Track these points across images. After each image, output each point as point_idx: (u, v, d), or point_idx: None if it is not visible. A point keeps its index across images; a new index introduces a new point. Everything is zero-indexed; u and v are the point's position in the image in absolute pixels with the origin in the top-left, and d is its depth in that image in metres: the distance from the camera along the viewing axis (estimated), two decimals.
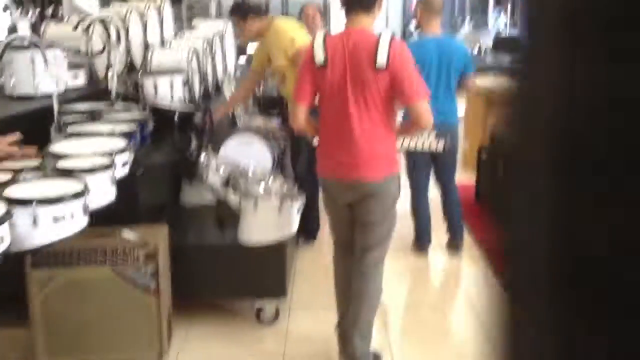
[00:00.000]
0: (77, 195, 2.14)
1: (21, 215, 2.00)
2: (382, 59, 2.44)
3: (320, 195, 4.26)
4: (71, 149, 2.55)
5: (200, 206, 3.57)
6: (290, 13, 14.41)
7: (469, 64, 3.97)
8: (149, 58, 4.76)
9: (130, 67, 4.53)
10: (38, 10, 6.27)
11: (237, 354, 2.95)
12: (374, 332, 2.84)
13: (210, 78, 5.28)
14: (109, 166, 2.43)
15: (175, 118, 3.73)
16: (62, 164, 2.39)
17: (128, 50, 4.59)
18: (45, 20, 4.35)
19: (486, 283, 3.77)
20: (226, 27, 5.96)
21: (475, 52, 12.25)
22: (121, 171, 2.75)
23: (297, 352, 2.96)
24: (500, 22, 13.13)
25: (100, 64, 3.82)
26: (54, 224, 2.08)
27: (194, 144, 3.72)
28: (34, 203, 2.02)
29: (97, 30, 3.77)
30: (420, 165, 4.03)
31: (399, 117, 3.06)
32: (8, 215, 1.90)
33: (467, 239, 4.48)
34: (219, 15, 9.84)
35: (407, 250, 4.09)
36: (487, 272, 3.90)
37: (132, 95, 4.02)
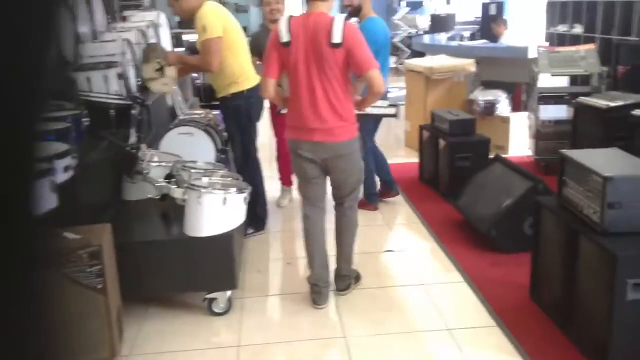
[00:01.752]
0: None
1: None
2: (337, 37, 2.88)
3: (265, 183, 4.30)
4: None
5: (144, 201, 3.50)
6: (226, 0, 14.22)
7: None
8: (80, 52, 4.60)
9: (60, 62, 4.36)
10: None
11: (191, 349, 2.92)
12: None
13: None
14: (47, 171, 2.33)
15: (111, 113, 3.63)
16: None
17: (58, 44, 4.43)
18: None
19: (432, 257, 3.86)
20: (160, 17, 5.80)
21: (414, 32, 12.40)
22: (63, 176, 2.63)
23: (251, 341, 2.96)
24: (435, 1, 13.31)
25: None
26: None
27: (133, 138, 3.63)
28: None
29: None
30: (371, 127, 4.41)
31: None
32: None
33: (412, 215, 4.58)
34: (152, 5, 9.57)
35: None
36: (433, 246, 4.00)
37: (65, 91, 3.88)
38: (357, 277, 3.47)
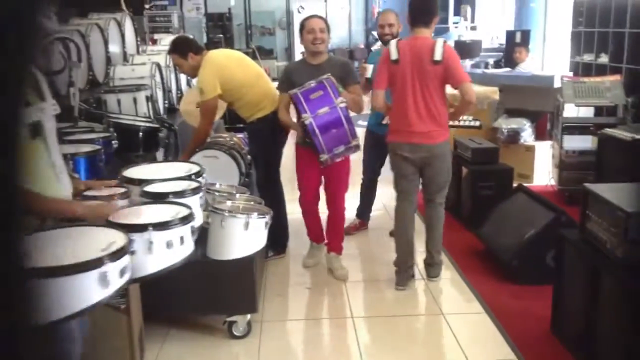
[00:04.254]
0: (186, 219, 2.14)
1: (137, 242, 1.94)
2: (438, 55, 3.43)
3: (288, 206, 4.34)
4: (144, 173, 2.61)
5: None
6: (253, 23, 14.49)
7: None
8: (111, 74, 4.73)
9: (92, 84, 4.48)
10: None
11: None
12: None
13: (174, 92, 5.26)
14: (199, 188, 2.50)
15: (140, 135, 3.72)
16: (150, 188, 2.40)
17: (90, 66, 4.55)
18: None
19: (452, 286, 3.85)
20: None
21: None
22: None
23: None
24: (460, 27, 13.35)
25: (61, 81, 3.77)
26: (167, 249, 2.04)
27: (160, 160, 3.70)
28: (150, 228, 1.98)
29: (57, 48, 3.73)
30: None
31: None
32: (129, 243, 1.84)
33: None
34: (181, 28, 9.78)
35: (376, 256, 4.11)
36: (453, 275, 3.98)
37: (95, 112, 3.98)
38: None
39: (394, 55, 3.54)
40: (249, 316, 3.23)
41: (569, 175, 5.28)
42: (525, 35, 8.90)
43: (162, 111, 4.61)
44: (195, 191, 2.49)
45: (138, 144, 3.65)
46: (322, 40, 3.75)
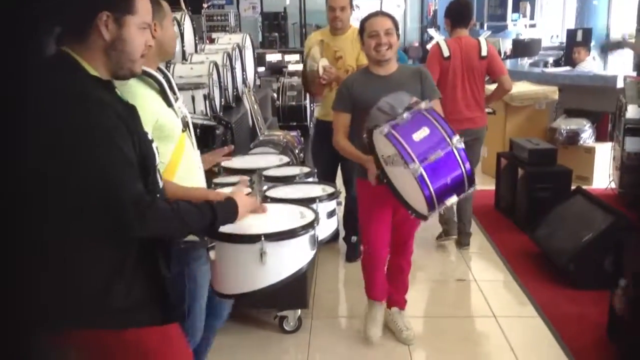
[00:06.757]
0: (333, 195, 2.38)
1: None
2: (484, 51, 4.10)
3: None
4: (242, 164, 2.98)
5: None
6: (307, 22, 14.57)
7: None
8: (170, 72, 4.87)
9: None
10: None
11: None
12: None
13: (230, 90, 5.37)
14: (311, 172, 2.74)
15: (198, 132, 3.81)
16: (273, 173, 2.68)
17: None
18: None
19: (505, 288, 3.79)
20: (245, 39, 6.04)
21: None
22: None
23: None
24: (519, 25, 13.05)
25: None
26: (327, 219, 2.29)
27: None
28: (317, 201, 2.23)
29: None
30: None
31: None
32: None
33: (486, 244, 4.51)
34: (237, 27, 9.94)
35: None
36: (507, 278, 3.92)
37: None
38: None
39: (446, 52, 4.07)
40: (299, 311, 3.28)
41: (630, 178, 5.10)
42: (587, 33, 8.60)
43: (218, 109, 4.70)
44: (308, 175, 2.69)
45: (196, 141, 3.73)
46: (389, 44, 2.85)
